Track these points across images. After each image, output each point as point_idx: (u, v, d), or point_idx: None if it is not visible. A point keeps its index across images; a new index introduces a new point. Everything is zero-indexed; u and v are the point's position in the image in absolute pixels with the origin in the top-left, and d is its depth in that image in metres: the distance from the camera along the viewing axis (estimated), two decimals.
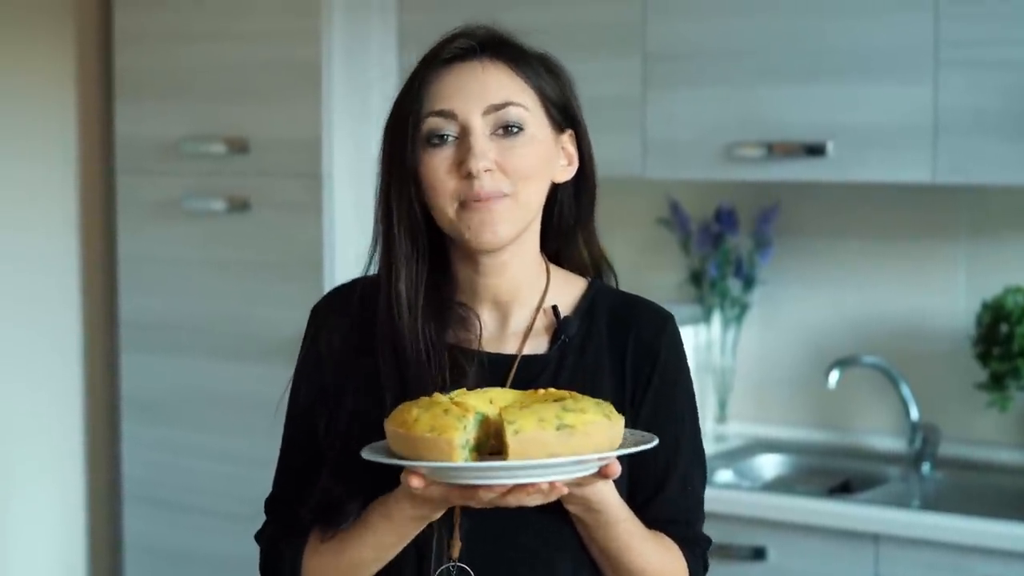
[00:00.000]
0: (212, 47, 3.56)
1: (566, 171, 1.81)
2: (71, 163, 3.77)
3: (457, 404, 1.60)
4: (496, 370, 1.76)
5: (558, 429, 1.55)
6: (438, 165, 1.73)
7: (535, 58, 1.79)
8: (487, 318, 1.81)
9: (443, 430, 1.56)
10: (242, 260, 3.56)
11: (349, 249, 3.42)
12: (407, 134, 1.74)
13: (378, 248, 1.80)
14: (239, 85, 3.53)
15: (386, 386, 1.74)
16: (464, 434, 1.57)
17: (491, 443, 1.60)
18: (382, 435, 1.65)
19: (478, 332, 1.79)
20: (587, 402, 1.60)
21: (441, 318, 1.77)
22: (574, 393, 1.63)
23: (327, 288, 3.38)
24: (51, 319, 3.75)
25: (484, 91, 1.73)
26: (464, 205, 1.72)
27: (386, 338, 1.76)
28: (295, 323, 1.93)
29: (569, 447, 1.55)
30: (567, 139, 1.80)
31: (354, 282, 1.86)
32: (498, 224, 1.72)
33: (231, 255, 3.57)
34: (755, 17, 3.18)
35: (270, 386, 1.97)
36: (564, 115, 1.79)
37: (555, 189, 1.81)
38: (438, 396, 1.62)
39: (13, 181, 3.65)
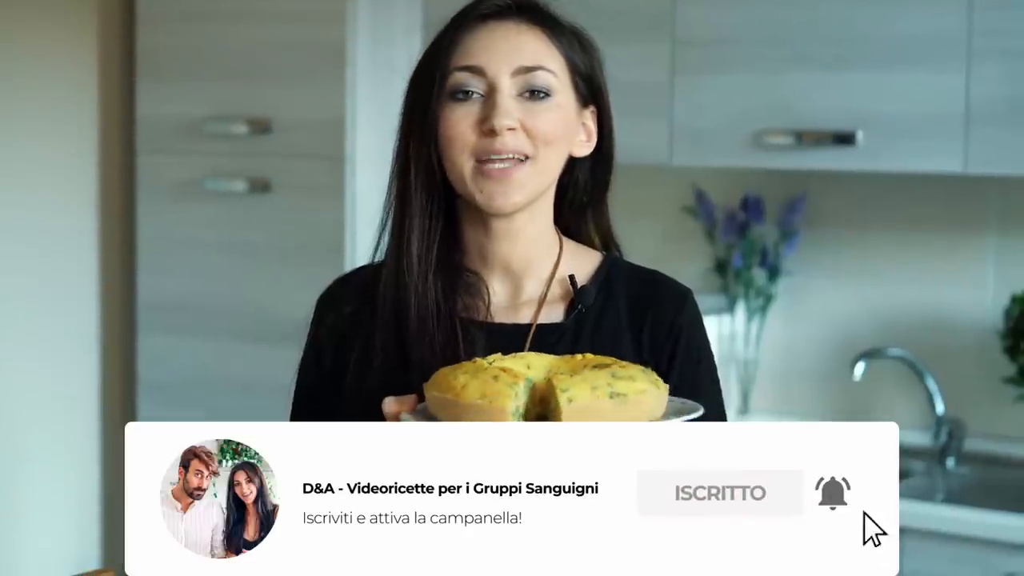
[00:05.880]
0: (235, 27, 3.54)
1: (584, 146, 1.78)
2: (92, 143, 3.75)
3: (504, 370, 1.54)
4: (508, 340, 1.72)
5: (611, 397, 1.49)
6: (460, 119, 1.70)
7: (568, 29, 1.76)
8: (497, 287, 1.77)
9: (495, 397, 1.50)
10: (262, 242, 3.54)
11: (371, 233, 3.38)
12: (432, 87, 1.71)
13: (392, 205, 1.77)
14: (262, 65, 3.51)
15: (383, 352, 1.72)
16: (515, 401, 1.51)
17: (536, 410, 1.55)
18: (377, 405, 1.60)
19: (487, 301, 1.75)
20: (634, 369, 1.54)
21: (449, 284, 1.74)
22: (615, 359, 1.57)
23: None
24: (69, 300, 3.74)
25: (516, 52, 1.71)
26: (482, 167, 1.69)
27: (389, 301, 1.74)
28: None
29: (622, 416, 1.49)
30: (589, 115, 1.78)
31: (358, 269, 1.85)
32: (513, 191, 1.70)
33: (251, 237, 3.55)
34: (785, 4, 3.15)
35: (288, 370, 1.94)
36: (590, 90, 1.77)
37: (572, 164, 1.79)
38: (480, 361, 1.57)
39: (34, 161, 3.64)
